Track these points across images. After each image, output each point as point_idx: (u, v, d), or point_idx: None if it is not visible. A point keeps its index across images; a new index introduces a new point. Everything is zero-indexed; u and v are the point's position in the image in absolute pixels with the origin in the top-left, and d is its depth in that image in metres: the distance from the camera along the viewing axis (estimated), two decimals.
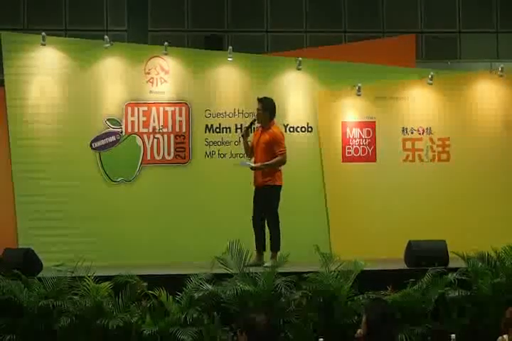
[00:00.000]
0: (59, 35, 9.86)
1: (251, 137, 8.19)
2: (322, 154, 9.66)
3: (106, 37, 9.56)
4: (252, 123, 8.22)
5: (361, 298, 6.28)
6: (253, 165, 7.83)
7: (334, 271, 6.47)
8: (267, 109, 8.02)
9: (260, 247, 7.76)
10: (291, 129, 9.71)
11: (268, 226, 7.83)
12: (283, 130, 9.03)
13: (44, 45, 9.38)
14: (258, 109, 8.08)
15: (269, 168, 7.79)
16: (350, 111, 9.87)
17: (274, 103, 8.13)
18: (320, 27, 13.40)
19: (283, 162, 7.88)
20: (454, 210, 9.47)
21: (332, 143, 9.74)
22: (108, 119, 9.50)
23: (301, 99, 9.79)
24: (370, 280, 6.47)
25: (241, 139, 8.44)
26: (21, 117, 9.35)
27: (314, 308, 6.21)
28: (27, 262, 6.70)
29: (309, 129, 9.75)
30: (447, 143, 9.83)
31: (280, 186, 7.88)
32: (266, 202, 7.77)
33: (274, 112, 8.10)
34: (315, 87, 9.76)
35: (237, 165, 8.46)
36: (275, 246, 7.69)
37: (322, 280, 6.33)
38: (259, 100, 8.10)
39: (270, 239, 7.75)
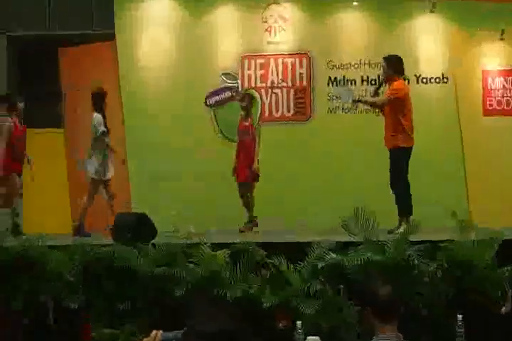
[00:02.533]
0: None
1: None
2: (460, 108, 9.40)
3: None
4: (380, 85, 8.02)
5: (505, 271, 6.05)
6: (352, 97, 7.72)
7: (473, 240, 6.25)
8: (390, 67, 7.79)
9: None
10: (424, 80, 9.52)
11: (395, 188, 7.69)
12: (414, 82, 8.89)
13: None
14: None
15: (397, 127, 7.59)
16: (493, 58, 9.54)
17: (397, 59, 7.86)
18: None
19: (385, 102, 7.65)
20: None
21: (471, 95, 9.48)
22: (223, 73, 9.58)
23: (435, 46, 9.55)
24: None
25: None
26: (132, 73, 9.59)
27: (450, 281, 6.04)
28: (141, 227, 6.82)
29: (445, 80, 9.50)
30: None
31: (408, 148, 7.67)
32: (392, 164, 7.62)
33: (400, 69, 7.84)
34: (451, 31, 9.46)
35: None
36: (404, 211, 7.57)
37: (459, 249, 6.13)
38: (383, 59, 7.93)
39: (397, 203, 7.64)
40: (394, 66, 7.78)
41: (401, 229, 7.10)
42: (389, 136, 7.67)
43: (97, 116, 8.36)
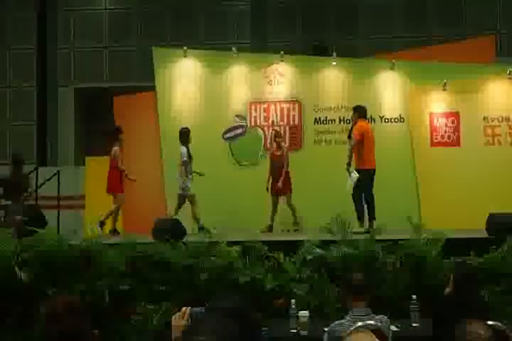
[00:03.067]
0: (196, 48, 10.01)
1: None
2: (413, 140, 9.40)
3: (233, 48, 9.67)
4: (350, 134, 8.01)
5: (448, 262, 6.02)
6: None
7: (424, 239, 6.24)
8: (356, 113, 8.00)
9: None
10: (386, 120, 9.49)
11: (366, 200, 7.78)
12: (378, 121, 8.95)
13: (185, 56, 9.62)
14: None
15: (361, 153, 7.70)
16: (437, 104, 9.51)
17: (360, 107, 8.04)
18: (408, 32, 12.95)
19: (353, 144, 7.68)
20: None
21: (421, 131, 9.44)
22: (236, 115, 9.62)
23: (394, 94, 9.54)
24: (455, 246, 6.19)
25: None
26: (168, 115, 9.63)
27: (406, 270, 6.02)
28: (174, 229, 6.86)
29: (401, 120, 9.50)
30: None
31: (371, 169, 7.74)
32: (362, 182, 7.69)
33: (363, 114, 7.97)
34: (406, 83, 9.49)
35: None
36: (372, 216, 7.66)
37: (413, 246, 6.12)
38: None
39: (368, 210, 7.72)
40: (359, 112, 7.95)
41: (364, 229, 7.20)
42: (356, 160, 7.75)
43: (182, 148, 8.41)
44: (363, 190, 7.72)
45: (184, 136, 8.49)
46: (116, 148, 8.58)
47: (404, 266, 6.03)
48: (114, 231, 8.59)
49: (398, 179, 9.07)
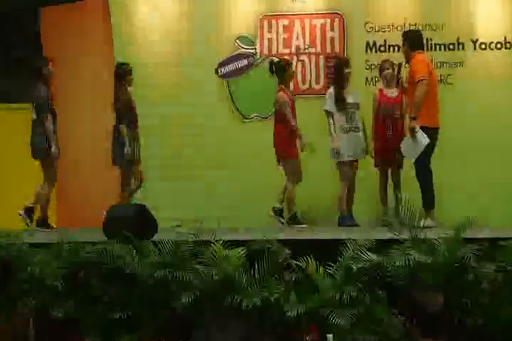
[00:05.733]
0: None
1: None
2: None
3: None
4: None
5: None
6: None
7: None
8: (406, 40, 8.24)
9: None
10: (483, 46, 9.43)
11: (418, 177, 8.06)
12: (470, 48, 9.18)
13: None
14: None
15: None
16: None
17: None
18: None
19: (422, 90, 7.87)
20: None
21: None
22: (238, 37, 9.57)
23: (496, 7, 9.43)
24: None
25: None
26: (128, 37, 9.61)
27: None
28: (139, 222, 6.84)
29: (507, 45, 9.41)
30: None
31: (433, 128, 7.98)
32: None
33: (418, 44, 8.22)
34: None
35: None
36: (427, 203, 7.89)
37: None
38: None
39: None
40: (411, 41, 8.17)
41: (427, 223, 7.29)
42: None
43: None
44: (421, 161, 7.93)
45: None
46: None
47: (510, 281, 6.01)
48: (44, 223, 8.68)
49: (502, 144, 9.07)
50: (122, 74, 8.77)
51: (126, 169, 8.70)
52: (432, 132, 7.91)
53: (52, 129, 8.66)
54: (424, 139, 7.78)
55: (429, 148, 7.90)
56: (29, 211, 8.59)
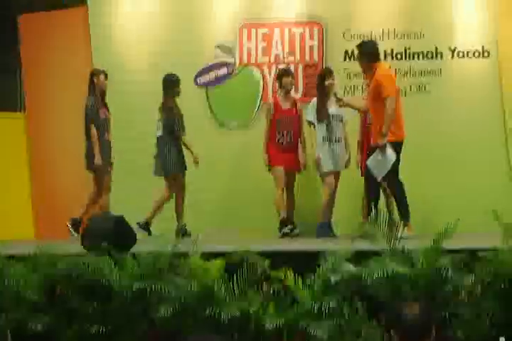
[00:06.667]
0: None
1: None
2: (503, 86, 9.35)
3: None
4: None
5: None
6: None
7: None
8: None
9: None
10: (461, 54, 9.46)
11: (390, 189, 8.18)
12: (448, 57, 9.21)
13: None
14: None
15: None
16: None
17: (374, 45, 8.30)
18: None
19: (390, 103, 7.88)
20: None
21: None
22: (217, 46, 9.57)
23: (475, 16, 9.49)
24: None
25: None
26: (105, 42, 9.61)
27: (492, 298, 6.03)
28: (118, 233, 6.83)
29: (485, 54, 9.44)
30: None
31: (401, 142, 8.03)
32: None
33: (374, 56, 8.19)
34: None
35: None
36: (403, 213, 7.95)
37: (504, 260, 6.11)
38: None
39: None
40: (369, 52, 8.19)
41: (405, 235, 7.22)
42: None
43: None
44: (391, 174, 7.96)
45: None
46: None
47: (488, 292, 6.02)
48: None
49: (478, 152, 9.09)
50: (169, 85, 8.87)
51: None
52: (400, 146, 7.97)
53: (96, 139, 8.73)
54: (392, 156, 7.82)
55: (396, 161, 7.92)
56: (76, 223, 8.64)
